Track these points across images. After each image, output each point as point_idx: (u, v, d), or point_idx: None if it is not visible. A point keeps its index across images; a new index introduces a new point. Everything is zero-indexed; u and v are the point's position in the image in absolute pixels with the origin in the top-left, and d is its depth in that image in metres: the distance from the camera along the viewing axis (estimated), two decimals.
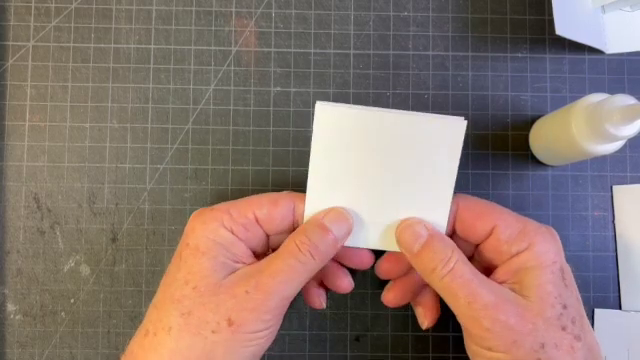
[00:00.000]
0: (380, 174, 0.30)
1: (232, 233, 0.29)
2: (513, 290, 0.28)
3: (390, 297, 0.33)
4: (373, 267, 0.33)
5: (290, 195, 0.31)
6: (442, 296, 0.29)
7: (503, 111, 0.37)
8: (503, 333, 0.26)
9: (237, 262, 0.29)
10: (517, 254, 0.28)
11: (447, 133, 0.29)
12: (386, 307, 0.34)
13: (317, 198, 0.30)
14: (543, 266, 0.28)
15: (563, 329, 0.27)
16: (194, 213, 0.30)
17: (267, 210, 0.29)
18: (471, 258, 0.31)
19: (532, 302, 0.27)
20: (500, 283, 0.28)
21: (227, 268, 0.28)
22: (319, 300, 0.33)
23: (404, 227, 0.29)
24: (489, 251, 0.30)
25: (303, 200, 0.30)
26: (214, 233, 0.29)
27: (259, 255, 0.31)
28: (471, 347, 0.28)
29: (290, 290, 0.28)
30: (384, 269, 0.33)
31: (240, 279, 0.28)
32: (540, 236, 0.28)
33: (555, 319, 0.27)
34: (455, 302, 0.27)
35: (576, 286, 0.29)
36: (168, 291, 0.28)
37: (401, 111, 0.29)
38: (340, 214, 0.29)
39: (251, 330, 0.27)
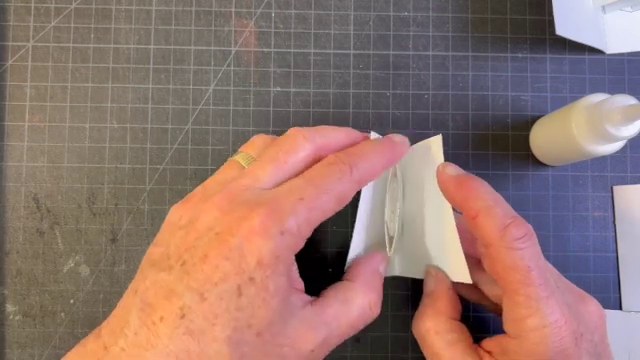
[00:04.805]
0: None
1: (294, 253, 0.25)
2: None
3: None
4: None
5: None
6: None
7: (503, 111, 0.37)
8: None
9: (293, 291, 0.26)
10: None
11: (430, 153, 0.31)
12: (386, 308, 0.34)
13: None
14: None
15: None
16: (254, 225, 0.24)
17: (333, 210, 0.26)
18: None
19: None
20: (487, 352, 0.27)
21: (290, 308, 0.25)
22: None
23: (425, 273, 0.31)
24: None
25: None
26: (284, 265, 0.24)
27: None
28: None
29: None
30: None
31: (307, 330, 0.25)
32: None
33: None
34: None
35: None
36: (221, 329, 0.23)
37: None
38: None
39: None
